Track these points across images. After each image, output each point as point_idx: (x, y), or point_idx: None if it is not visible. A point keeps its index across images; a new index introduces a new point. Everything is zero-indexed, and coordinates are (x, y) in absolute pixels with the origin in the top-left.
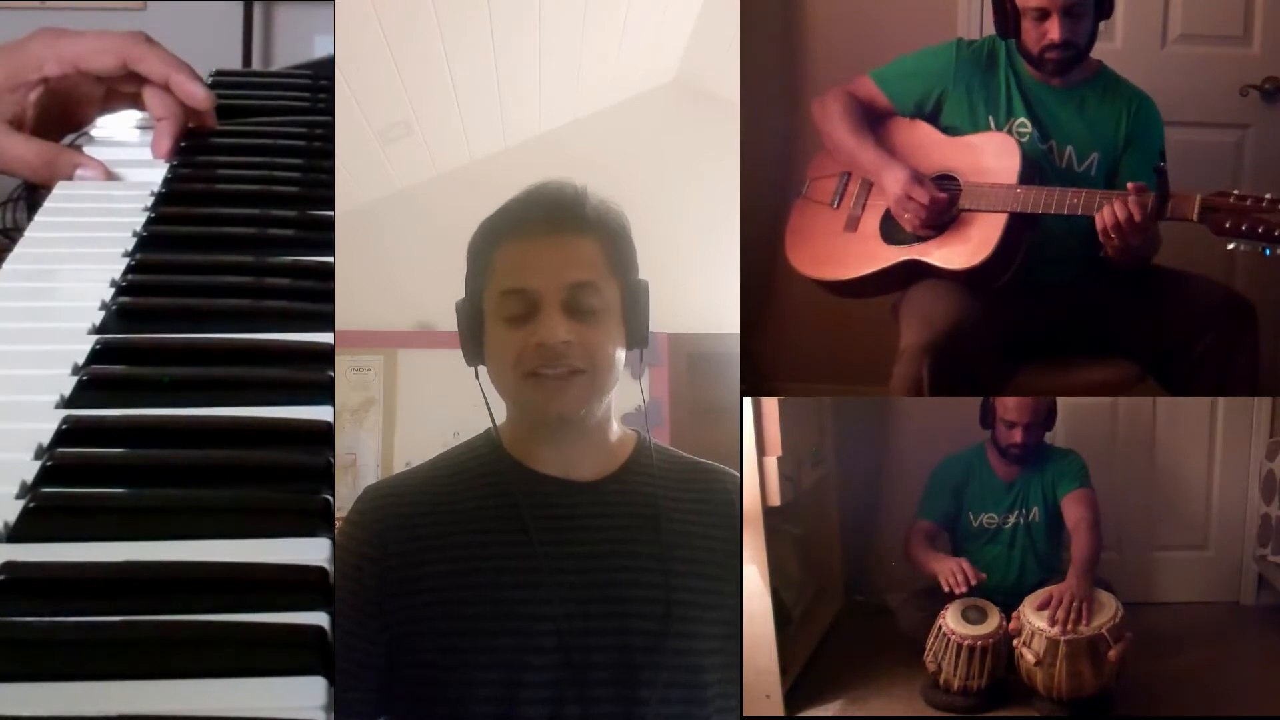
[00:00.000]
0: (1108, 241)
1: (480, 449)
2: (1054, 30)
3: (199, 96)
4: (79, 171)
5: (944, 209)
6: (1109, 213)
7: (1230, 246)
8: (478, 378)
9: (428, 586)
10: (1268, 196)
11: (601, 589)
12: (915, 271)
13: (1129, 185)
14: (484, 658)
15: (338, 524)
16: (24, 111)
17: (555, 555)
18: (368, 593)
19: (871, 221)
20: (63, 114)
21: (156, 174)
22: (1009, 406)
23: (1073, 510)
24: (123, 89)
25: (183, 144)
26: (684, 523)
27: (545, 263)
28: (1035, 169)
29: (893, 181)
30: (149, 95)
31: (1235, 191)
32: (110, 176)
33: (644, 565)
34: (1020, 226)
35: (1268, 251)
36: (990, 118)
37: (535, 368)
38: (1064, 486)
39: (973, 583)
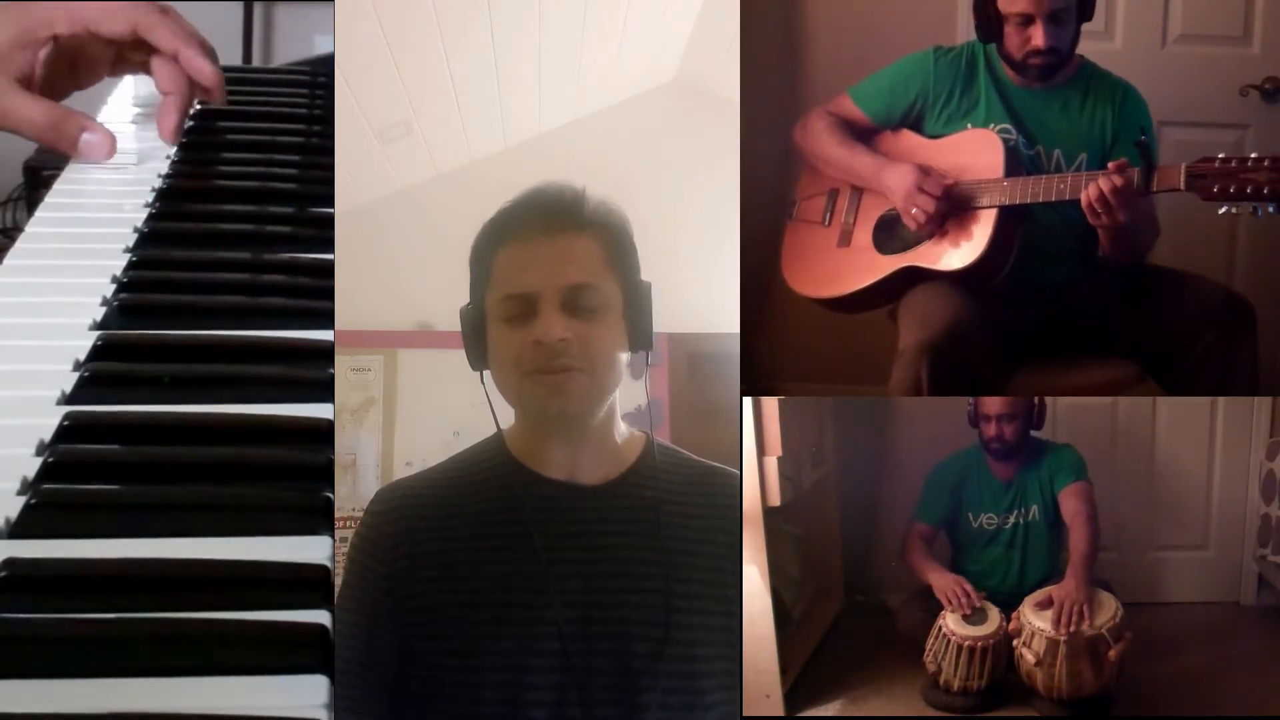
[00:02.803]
0: (1095, 220)
1: (488, 452)
2: (1038, 37)
3: (206, 73)
4: (85, 136)
5: (955, 199)
6: (1094, 187)
7: (1221, 211)
8: (483, 383)
9: (435, 589)
10: (1253, 155)
11: (604, 594)
12: (912, 278)
13: (1110, 164)
14: (488, 661)
15: (338, 523)
16: (33, 70)
17: (559, 560)
18: (378, 594)
19: (864, 234)
20: (71, 73)
21: (159, 165)
22: (989, 401)
23: (1069, 504)
24: (132, 56)
25: (184, 139)
26: (687, 528)
27: (543, 264)
28: (1020, 161)
29: (899, 179)
30: (156, 66)
31: (1220, 155)
32: (114, 148)
33: (646, 571)
34: (1011, 220)
35: (1259, 213)
36: (970, 125)
37: (535, 366)
38: (1060, 479)
39: (977, 605)
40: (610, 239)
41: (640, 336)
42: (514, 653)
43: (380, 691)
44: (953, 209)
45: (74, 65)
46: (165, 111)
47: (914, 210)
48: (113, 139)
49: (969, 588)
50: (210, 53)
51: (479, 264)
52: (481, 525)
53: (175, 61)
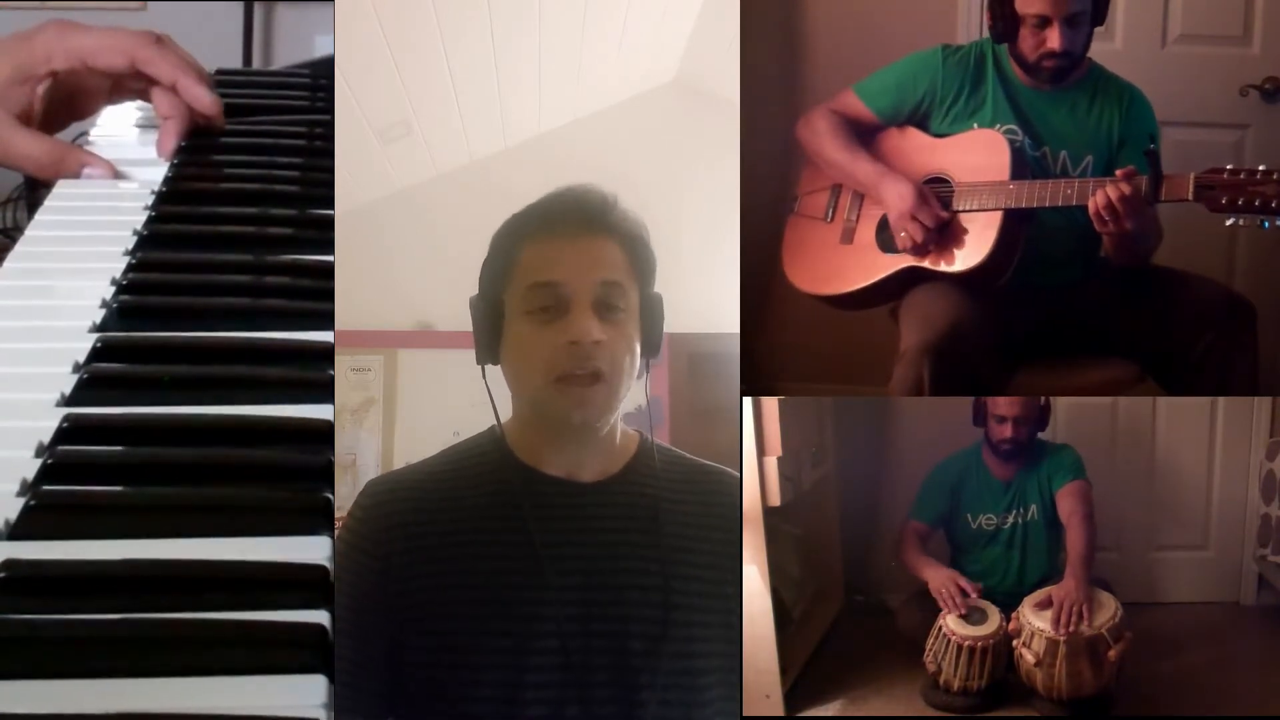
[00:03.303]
0: (1102, 227)
1: (485, 446)
2: (1054, 39)
3: (205, 102)
4: (87, 170)
5: (945, 226)
6: (1101, 195)
7: (1229, 223)
8: (484, 377)
9: (430, 585)
10: (1261, 168)
11: (602, 591)
12: (915, 277)
13: (1118, 171)
14: (485, 658)
15: (338, 523)
16: (31, 105)
17: (557, 557)
18: (370, 590)
19: (867, 232)
20: (68, 106)
21: (158, 173)
22: (1000, 402)
23: (1066, 503)
24: (130, 84)
25: (183, 143)
26: (685, 525)
27: (575, 260)
28: (1026, 164)
29: (897, 198)
30: (156, 95)
31: (1229, 166)
32: (117, 175)
33: (644, 568)
34: (1016, 223)
35: (1266, 224)
36: (976, 125)
37: (568, 370)
38: (1059, 479)
39: (971, 596)
40: (634, 246)
41: (651, 346)
42: (512, 650)
43: (375, 689)
44: (944, 235)
45: (71, 98)
46: (165, 135)
47: (902, 234)
48: (114, 170)
49: (964, 583)
50: (207, 79)
51: (502, 255)
52: (478, 521)
53: (175, 90)
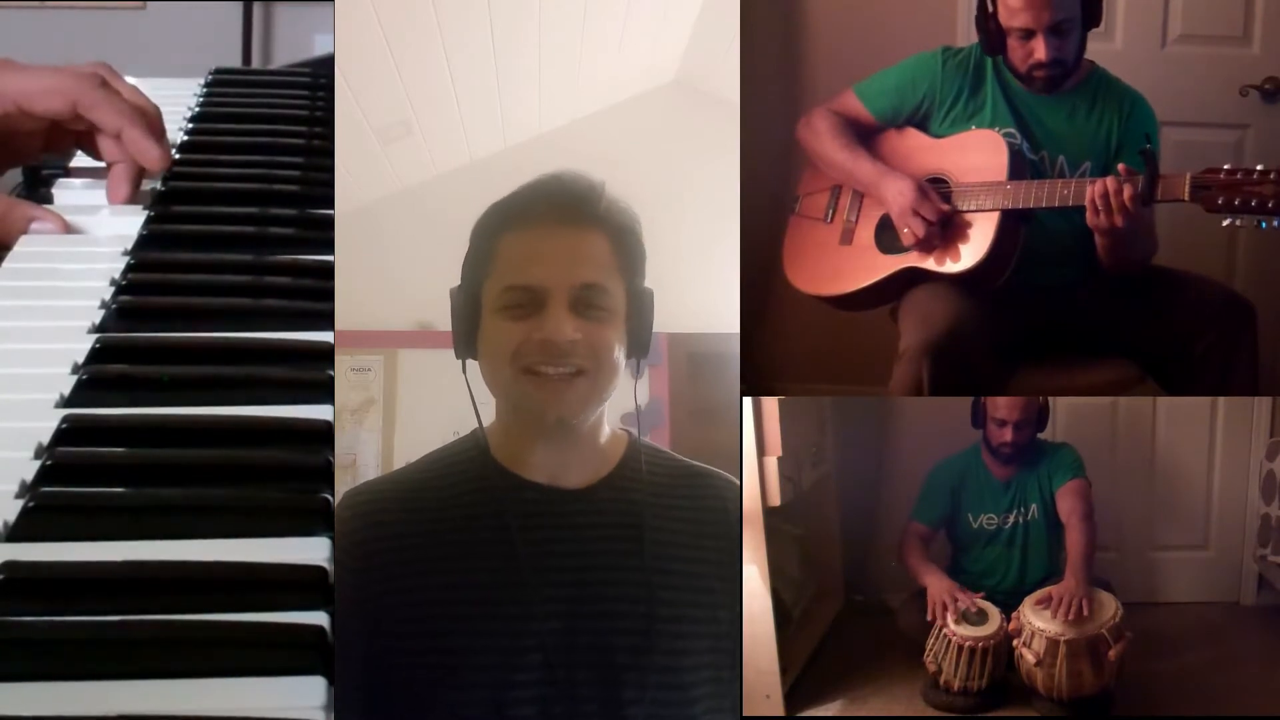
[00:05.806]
0: (1094, 219)
1: (467, 451)
2: (1040, 50)
3: (152, 156)
4: (34, 225)
5: (948, 221)
6: (1100, 184)
7: (1225, 223)
8: (465, 372)
9: (411, 599)
10: (1259, 168)
11: (586, 602)
12: (914, 278)
13: (1120, 167)
14: (468, 672)
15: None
16: None
17: (540, 566)
18: (348, 603)
19: (866, 233)
20: (0, 152)
21: (126, 227)
22: (999, 405)
23: (1065, 502)
24: (71, 127)
25: (184, 140)
26: (673, 531)
27: (554, 257)
28: (1024, 165)
29: (896, 195)
30: (101, 141)
31: (1225, 166)
32: (68, 230)
33: (628, 578)
34: (1014, 223)
35: (1263, 225)
36: (975, 127)
37: (535, 363)
38: (1059, 478)
39: (969, 608)
40: (622, 239)
41: (639, 344)
42: (496, 663)
43: (360, 702)
44: (948, 230)
45: (3, 146)
46: (115, 181)
47: (905, 230)
48: (63, 222)
49: (960, 594)
50: (156, 125)
51: (482, 246)
52: (460, 530)
53: (119, 139)
